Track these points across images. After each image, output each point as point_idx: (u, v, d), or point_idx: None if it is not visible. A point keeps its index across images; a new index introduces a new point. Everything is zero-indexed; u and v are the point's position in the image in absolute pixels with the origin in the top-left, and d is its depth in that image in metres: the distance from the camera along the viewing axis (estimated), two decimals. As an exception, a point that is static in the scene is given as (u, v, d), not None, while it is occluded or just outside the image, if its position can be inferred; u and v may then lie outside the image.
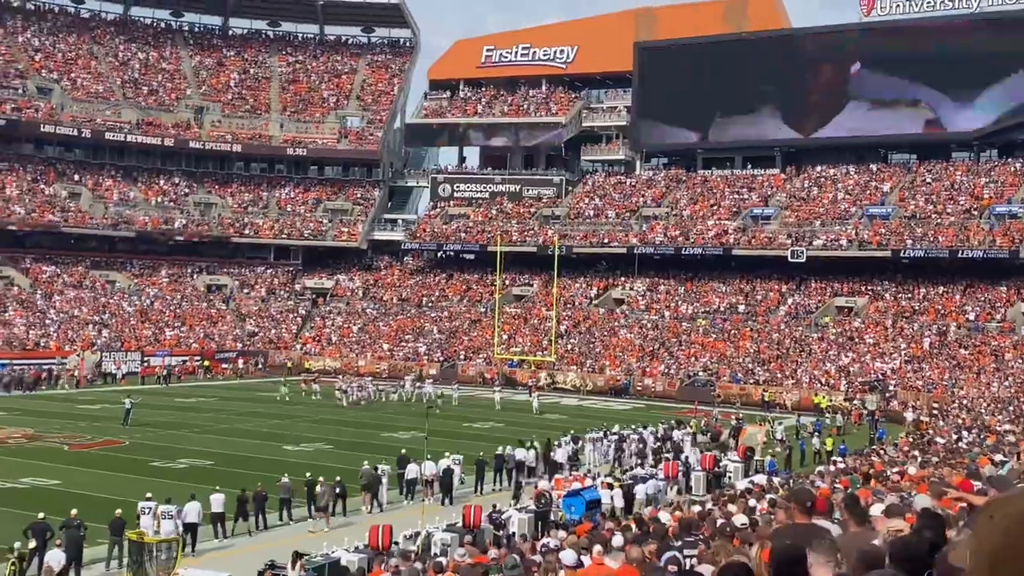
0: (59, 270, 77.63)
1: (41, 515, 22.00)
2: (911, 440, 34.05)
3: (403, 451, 32.18)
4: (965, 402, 48.22)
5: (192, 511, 23.81)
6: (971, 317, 62.67)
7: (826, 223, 71.61)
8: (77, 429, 41.92)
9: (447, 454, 31.42)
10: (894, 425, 47.70)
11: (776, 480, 26.19)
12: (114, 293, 77.80)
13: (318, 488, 27.22)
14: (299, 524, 26.97)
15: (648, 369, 64.66)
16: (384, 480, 29.28)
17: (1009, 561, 1.39)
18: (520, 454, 33.39)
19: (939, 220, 67.87)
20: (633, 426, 41.17)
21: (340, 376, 63.18)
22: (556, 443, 35.69)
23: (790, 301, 69.96)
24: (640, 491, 27.95)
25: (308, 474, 28.61)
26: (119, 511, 23.01)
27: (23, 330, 67.54)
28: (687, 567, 7.92)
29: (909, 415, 49.78)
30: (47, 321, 70.07)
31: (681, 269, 76.29)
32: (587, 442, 37.62)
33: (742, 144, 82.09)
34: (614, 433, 38.90)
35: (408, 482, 30.21)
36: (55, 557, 19.49)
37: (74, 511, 22.09)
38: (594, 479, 29.22)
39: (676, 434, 39.54)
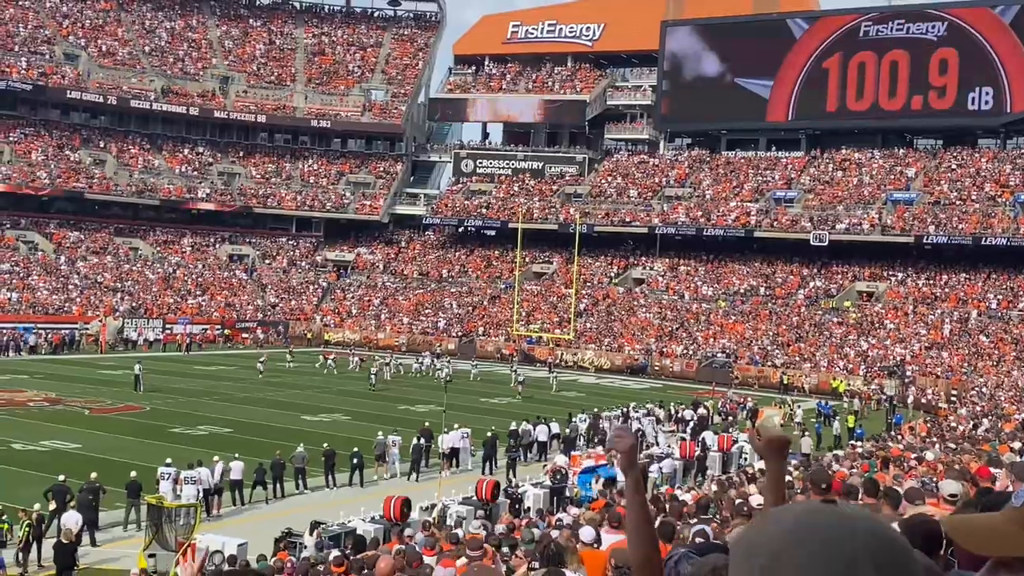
0: (83, 236, 78.13)
1: (61, 478, 22.23)
2: (929, 426, 33.99)
3: (426, 423, 32.33)
4: (984, 390, 48.05)
5: (205, 477, 24.00)
6: (992, 305, 62.34)
7: (849, 207, 71.22)
8: (98, 394, 42.32)
9: (456, 426, 31.58)
10: (903, 409, 47.72)
11: (794, 462, 26.16)
12: (137, 260, 78.24)
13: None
14: (315, 493, 27.18)
15: (666, 349, 64.63)
16: (396, 450, 29.83)
17: None
18: (538, 431, 33.55)
19: (963, 207, 67.41)
20: (649, 405, 41.32)
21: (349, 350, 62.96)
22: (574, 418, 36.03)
23: (811, 284, 69.69)
24: (655, 470, 27.90)
25: (326, 444, 28.80)
26: (134, 473, 23.34)
27: (46, 295, 68.06)
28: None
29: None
30: (70, 287, 70.57)
31: (702, 250, 76.11)
32: (604, 420, 37.64)
33: (766, 126, 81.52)
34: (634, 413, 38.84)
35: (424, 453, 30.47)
36: (72, 518, 19.70)
37: (94, 474, 22.36)
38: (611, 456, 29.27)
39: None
